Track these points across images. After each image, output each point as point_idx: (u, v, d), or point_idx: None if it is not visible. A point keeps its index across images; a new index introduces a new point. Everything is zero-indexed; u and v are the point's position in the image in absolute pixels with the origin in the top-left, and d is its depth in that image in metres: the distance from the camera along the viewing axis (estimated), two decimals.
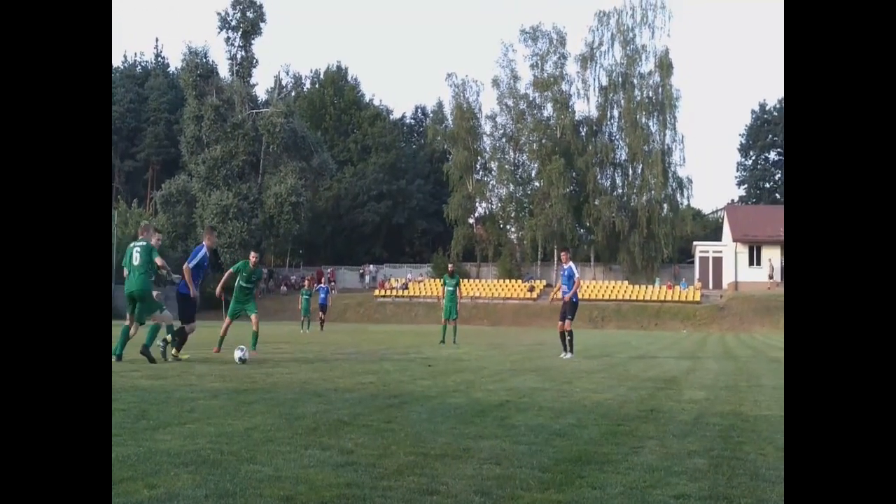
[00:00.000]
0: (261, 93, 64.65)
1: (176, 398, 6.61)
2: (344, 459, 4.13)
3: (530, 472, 3.92)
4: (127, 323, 11.10)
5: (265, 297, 55.83)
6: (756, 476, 3.94)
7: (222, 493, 3.34)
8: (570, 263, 14.52)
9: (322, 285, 30.04)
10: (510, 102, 60.87)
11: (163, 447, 4.35)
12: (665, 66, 56.84)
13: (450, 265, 24.11)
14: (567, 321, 14.03)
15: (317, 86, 72.24)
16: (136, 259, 10.81)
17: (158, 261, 11.02)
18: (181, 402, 6.31)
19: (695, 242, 55.80)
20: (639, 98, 57.61)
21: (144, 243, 11.01)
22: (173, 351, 11.44)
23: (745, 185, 74.60)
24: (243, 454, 4.20)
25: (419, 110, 77.86)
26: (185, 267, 11.78)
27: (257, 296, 13.88)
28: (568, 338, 13.95)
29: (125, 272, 10.98)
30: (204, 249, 12.12)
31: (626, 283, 53.07)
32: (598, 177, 57.93)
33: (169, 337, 11.50)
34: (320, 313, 28.85)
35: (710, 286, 51.93)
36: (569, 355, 13.64)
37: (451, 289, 18.99)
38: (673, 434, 5.23)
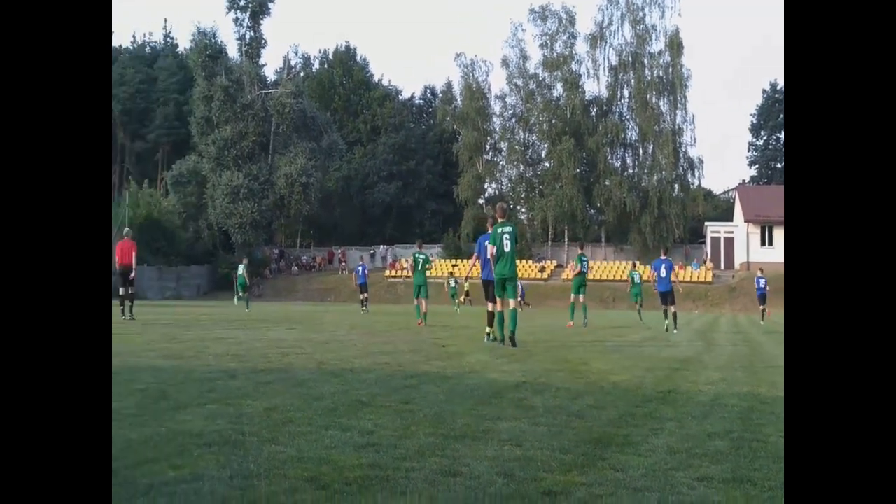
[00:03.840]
0: (270, 73, 64.47)
1: (194, 378, 6.65)
2: (365, 440, 4.14)
3: (551, 453, 3.92)
4: (497, 307, 11.57)
5: (276, 277, 56.11)
6: (778, 458, 3.92)
7: (246, 474, 3.36)
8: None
9: (361, 263, 30.44)
10: (520, 82, 60.57)
11: (185, 428, 4.37)
12: (675, 45, 56.34)
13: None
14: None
15: (325, 66, 71.97)
16: (508, 244, 11.36)
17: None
18: (200, 383, 6.35)
19: (706, 223, 55.58)
20: (649, 78, 57.17)
21: (511, 228, 11.57)
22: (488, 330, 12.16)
23: (757, 166, 74.12)
24: (264, 435, 4.22)
25: (428, 90, 77.52)
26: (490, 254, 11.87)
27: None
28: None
29: (492, 252, 11.44)
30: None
31: (637, 263, 52.90)
32: (609, 157, 57.67)
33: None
34: (363, 294, 28.99)
35: (722, 267, 51.76)
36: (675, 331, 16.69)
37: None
38: (692, 416, 5.22)
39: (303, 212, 55.81)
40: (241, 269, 30.77)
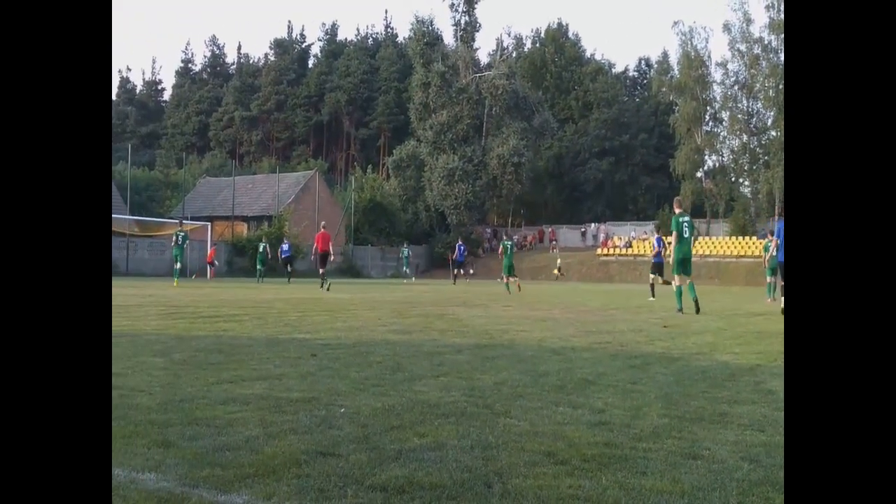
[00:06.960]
0: (483, 56, 65.65)
1: (424, 352, 6.99)
2: (596, 418, 4.13)
3: None
4: (676, 282, 14.34)
5: (489, 256, 57.35)
6: None
7: (485, 444, 3.48)
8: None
9: (461, 244, 37.60)
10: (743, 48, 56.67)
11: (422, 398, 4.61)
12: None
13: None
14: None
15: (537, 45, 71.93)
16: (686, 231, 14.19)
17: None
18: (430, 356, 6.66)
19: None
20: None
21: (688, 218, 14.48)
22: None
23: None
24: (498, 408, 4.34)
25: (643, 62, 75.27)
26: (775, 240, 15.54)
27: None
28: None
29: (675, 237, 14.08)
30: None
31: None
32: None
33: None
34: (456, 269, 35.56)
35: None
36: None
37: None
38: None
39: (514, 191, 56.48)
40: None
